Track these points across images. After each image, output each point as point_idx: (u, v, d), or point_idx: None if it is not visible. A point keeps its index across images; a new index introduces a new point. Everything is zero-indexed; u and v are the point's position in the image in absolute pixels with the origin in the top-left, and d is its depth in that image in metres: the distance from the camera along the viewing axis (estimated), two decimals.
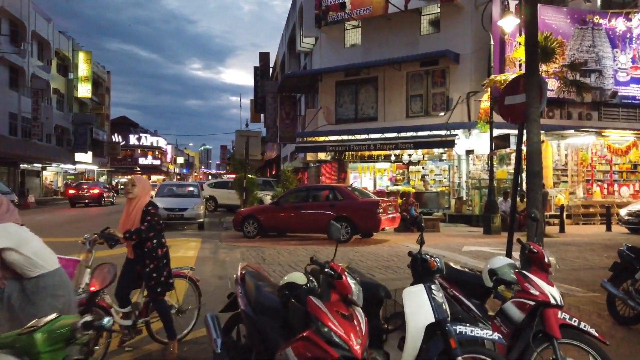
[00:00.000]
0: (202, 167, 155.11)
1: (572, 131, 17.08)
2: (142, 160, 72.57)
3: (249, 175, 18.06)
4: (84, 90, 46.05)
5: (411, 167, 19.77)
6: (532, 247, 3.49)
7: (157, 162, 75.44)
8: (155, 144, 75.37)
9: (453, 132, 17.71)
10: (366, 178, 21.63)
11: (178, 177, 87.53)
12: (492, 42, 15.99)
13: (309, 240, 11.99)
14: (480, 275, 3.78)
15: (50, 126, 40.22)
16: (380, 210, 11.35)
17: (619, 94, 19.80)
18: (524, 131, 5.36)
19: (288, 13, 30.86)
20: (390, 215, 12.03)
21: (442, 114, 18.92)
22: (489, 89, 14.58)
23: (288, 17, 30.60)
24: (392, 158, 20.58)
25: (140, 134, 73.80)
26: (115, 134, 67.19)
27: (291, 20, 28.82)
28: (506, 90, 5.80)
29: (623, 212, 14.54)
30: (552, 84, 18.82)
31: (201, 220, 14.56)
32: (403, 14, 19.67)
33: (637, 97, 20.12)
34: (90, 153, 47.74)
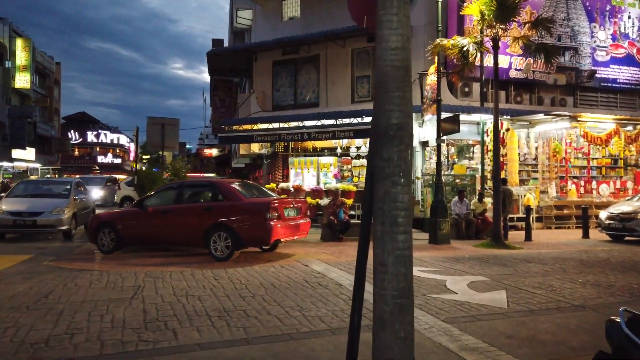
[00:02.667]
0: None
1: (541, 116, 14.09)
2: (101, 159, 68.19)
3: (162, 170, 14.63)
4: (23, 81, 41.89)
5: (354, 162, 16.65)
6: None
7: (119, 161, 70.97)
8: (116, 142, 70.90)
9: None
10: (309, 174, 18.46)
11: None
12: None
13: (180, 257, 8.70)
14: None
15: None
16: (274, 215, 8.10)
17: (598, 76, 16.98)
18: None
19: None
20: (295, 222, 8.79)
21: None
22: (435, 58, 11.50)
23: None
24: (339, 151, 17.49)
25: (100, 131, 69.36)
26: (72, 131, 62.88)
27: None
28: None
29: (603, 215, 11.66)
30: (520, 63, 15.93)
31: (65, 227, 11.08)
32: None
33: (618, 80, 17.31)
34: (33, 150, 43.45)
